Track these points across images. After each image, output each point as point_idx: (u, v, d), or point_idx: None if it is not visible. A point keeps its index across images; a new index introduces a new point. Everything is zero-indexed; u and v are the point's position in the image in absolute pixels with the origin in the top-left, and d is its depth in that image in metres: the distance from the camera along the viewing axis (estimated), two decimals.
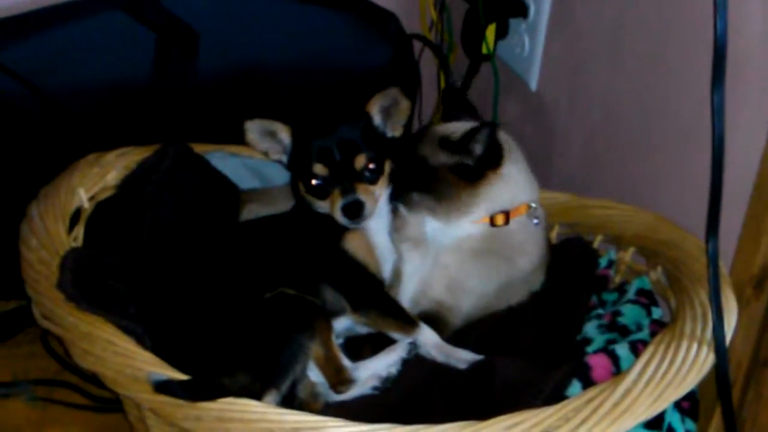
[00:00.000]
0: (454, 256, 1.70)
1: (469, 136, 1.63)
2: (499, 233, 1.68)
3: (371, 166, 1.59)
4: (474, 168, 1.65)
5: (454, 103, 1.99)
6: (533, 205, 1.71)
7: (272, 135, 1.63)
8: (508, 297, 1.72)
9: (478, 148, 1.63)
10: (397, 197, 1.69)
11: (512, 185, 1.68)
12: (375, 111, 1.64)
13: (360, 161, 1.58)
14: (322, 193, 1.60)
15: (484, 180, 1.65)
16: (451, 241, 1.70)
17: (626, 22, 1.84)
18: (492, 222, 1.67)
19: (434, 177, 1.67)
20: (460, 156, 1.65)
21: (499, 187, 1.66)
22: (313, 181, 1.59)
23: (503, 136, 1.71)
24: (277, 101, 2.04)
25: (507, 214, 1.67)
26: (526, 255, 1.71)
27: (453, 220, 1.68)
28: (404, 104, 1.64)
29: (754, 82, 1.50)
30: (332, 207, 1.58)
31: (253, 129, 1.61)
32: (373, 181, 1.61)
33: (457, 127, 1.70)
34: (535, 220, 1.71)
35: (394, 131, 1.67)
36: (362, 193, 1.57)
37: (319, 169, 1.58)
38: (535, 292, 1.74)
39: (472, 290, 1.69)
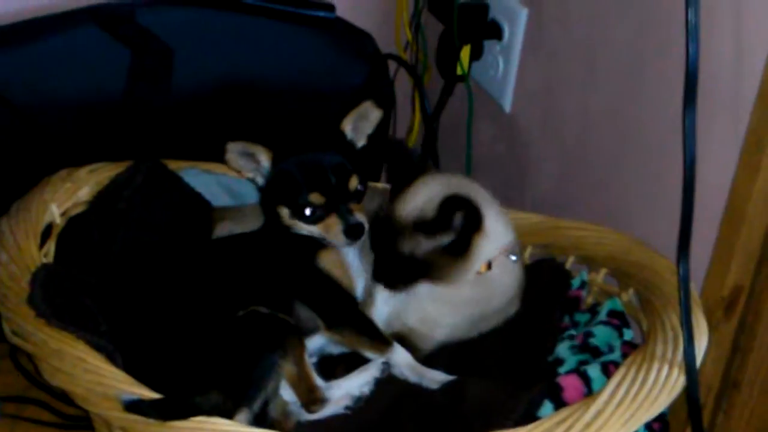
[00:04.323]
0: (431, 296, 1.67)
1: (445, 213, 1.55)
2: (481, 280, 1.64)
3: (359, 187, 1.60)
4: (461, 240, 1.58)
5: (396, 158, 1.87)
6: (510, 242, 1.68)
7: (251, 156, 1.61)
8: (482, 328, 1.70)
9: (458, 221, 1.56)
10: (394, 286, 1.64)
11: (494, 235, 1.62)
12: (348, 129, 1.65)
13: (353, 183, 1.59)
14: (315, 219, 1.59)
15: (472, 245, 1.59)
16: None
17: (600, 46, 1.86)
18: None
19: (429, 266, 1.60)
20: (442, 235, 1.58)
21: (485, 245, 1.60)
22: (307, 210, 1.58)
23: (468, 184, 1.66)
24: (252, 119, 2.04)
25: (489, 261, 1.64)
26: (504, 295, 1.69)
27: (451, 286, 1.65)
28: (374, 115, 1.64)
29: (726, 104, 1.52)
30: (328, 231, 1.58)
31: (234, 150, 1.60)
32: (361, 199, 1.62)
33: (417, 201, 1.61)
34: (513, 257, 1.68)
35: (361, 141, 1.67)
36: (358, 213, 1.58)
37: (315, 198, 1.57)
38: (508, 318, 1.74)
39: (446, 325, 1.68)
